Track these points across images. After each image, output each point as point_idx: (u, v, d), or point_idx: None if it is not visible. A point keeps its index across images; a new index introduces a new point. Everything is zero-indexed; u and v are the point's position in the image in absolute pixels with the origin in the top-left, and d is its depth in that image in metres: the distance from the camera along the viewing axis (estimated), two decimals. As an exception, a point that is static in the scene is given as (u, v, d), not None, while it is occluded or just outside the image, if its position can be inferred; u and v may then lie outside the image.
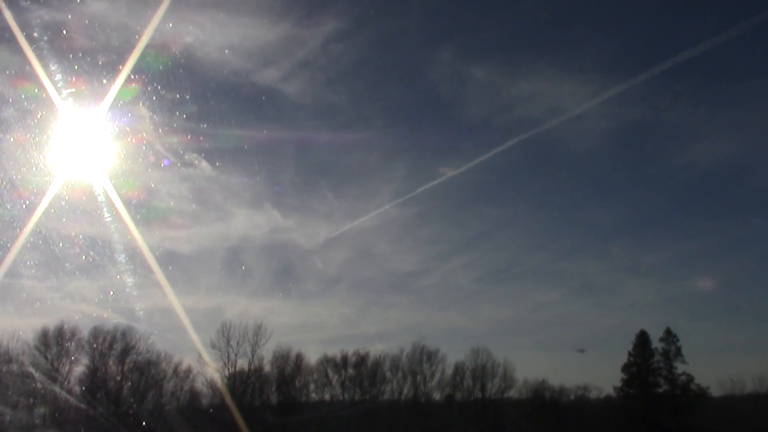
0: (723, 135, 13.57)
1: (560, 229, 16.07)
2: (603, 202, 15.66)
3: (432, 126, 16.30)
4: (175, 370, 26.12)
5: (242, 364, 26.86)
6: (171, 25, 11.76)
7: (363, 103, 15.38)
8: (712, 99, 13.18)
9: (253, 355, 26.52)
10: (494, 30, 13.60)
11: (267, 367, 27.80)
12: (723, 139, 13.59)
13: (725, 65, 12.61)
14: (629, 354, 30.28)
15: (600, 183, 15.58)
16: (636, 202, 15.53)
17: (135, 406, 22.59)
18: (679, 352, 29.77)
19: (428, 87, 14.56)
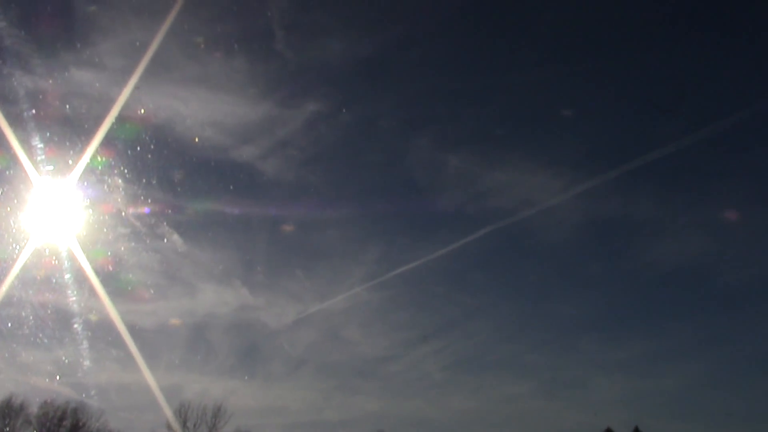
0: (690, 234, 13.27)
1: (530, 320, 15.81)
2: (573, 296, 15.42)
3: (406, 211, 16.03)
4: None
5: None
6: (151, 97, 11.75)
7: (339, 185, 15.35)
8: (680, 198, 12.91)
9: (210, 438, 25.34)
10: (471, 120, 13.45)
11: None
12: (690, 237, 13.29)
13: (693, 166, 12.35)
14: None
15: (570, 276, 15.28)
16: (605, 297, 15.21)
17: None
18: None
19: (404, 172, 14.45)
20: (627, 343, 15.70)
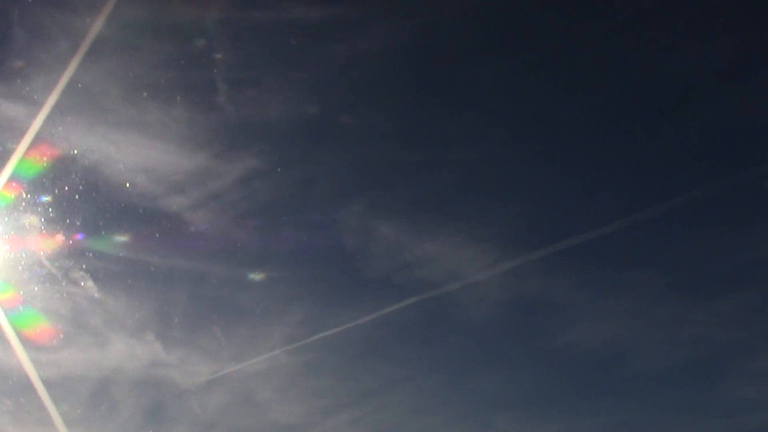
0: (607, 319, 14.09)
1: (449, 395, 15.96)
2: (492, 372, 15.78)
3: (334, 275, 16.07)
4: None
5: None
6: (82, 138, 11.58)
7: (267, 244, 15.18)
8: (599, 283, 13.74)
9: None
10: (405, 190, 13.84)
11: None
12: (606, 322, 14.11)
13: (611, 253, 13.27)
14: None
15: (490, 352, 15.71)
16: (523, 376, 15.67)
17: None
18: None
19: (334, 236, 14.54)
20: (542, 423, 15.87)
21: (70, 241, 11.91)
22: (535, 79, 13.77)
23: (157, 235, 15.40)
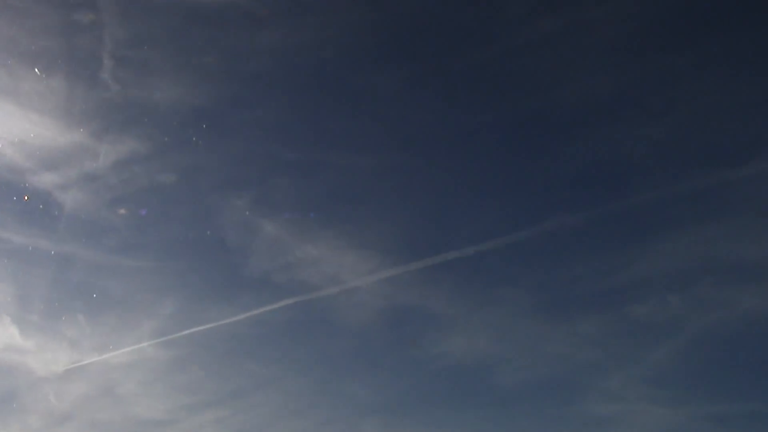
0: (477, 332, 14.84)
1: (319, 397, 16.18)
2: (364, 377, 16.13)
3: (211, 270, 15.69)
4: None
5: None
6: None
7: (143, 231, 14.61)
8: (472, 298, 14.43)
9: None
10: (292, 191, 13.80)
11: None
12: (476, 335, 14.86)
13: (487, 270, 13.99)
14: None
15: (363, 358, 16.07)
16: (394, 382, 16.17)
17: None
18: None
19: (215, 230, 14.22)
20: (408, 428, 16.15)
21: None
22: (431, 92, 14.15)
23: (22, 212, 14.46)
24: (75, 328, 22.41)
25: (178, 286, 18.97)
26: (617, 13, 12.19)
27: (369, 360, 18.37)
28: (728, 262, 12.96)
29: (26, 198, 12.78)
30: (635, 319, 13.56)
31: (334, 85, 13.29)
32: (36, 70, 10.85)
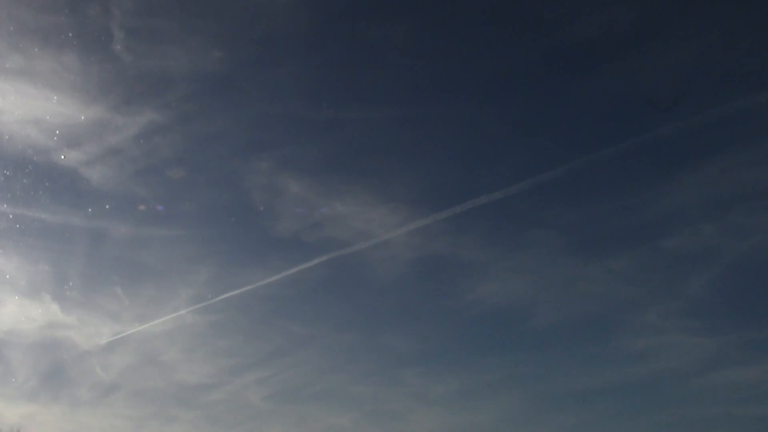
0: (510, 276, 14.69)
1: (358, 352, 16.33)
2: (400, 329, 16.20)
3: (241, 234, 15.73)
4: None
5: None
6: None
7: (171, 200, 14.63)
8: (503, 242, 14.24)
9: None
10: (314, 149, 13.64)
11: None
12: (509, 280, 14.71)
13: (516, 214, 13.78)
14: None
15: (399, 310, 16.11)
16: (430, 332, 16.22)
17: None
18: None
19: (242, 194, 14.18)
20: (448, 377, 16.35)
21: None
22: (445, 38, 13.90)
23: (51, 192, 14.65)
24: (114, 300, 22.86)
25: (211, 252, 19.25)
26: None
27: (404, 311, 18.60)
28: (760, 187, 12.71)
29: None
30: (669, 252, 13.43)
31: (346, 40, 13.09)
32: (48, 48, 10.82)
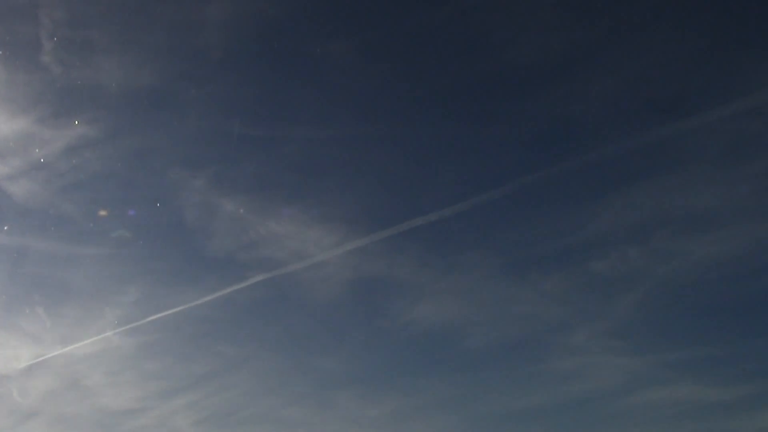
0: (445, 297, 15.02)
1: (291, 374, 16.12)
2: (335, 351, 16.13)
3: (173, 253, 15.29)
4: None
5: None
6: None
7: (99, 217, 14.22)
8: (439, 264, 14.57)
9: None
10: (251, 167, 13.53)
11: None
12: (444, 301, 15.04)
13: (452, 236, 14.09)
14: None
15: (333, 331, 16.11)
16: (365, 354, 16.27)
17: None
18: None
19: (174, 212, 13.86)
20: (382, 399, 16.28)
21: None
22: (384, 59, 14.04)
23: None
24: (35, 322, 21.76)
25: (141, 272, 18.63)
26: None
27: (339, 333, 18.47)
28: (681, 213, 13.31)
29: None
30: (597, 274, 13.85)
31: (286, 57, 13.06)
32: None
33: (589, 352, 13.96)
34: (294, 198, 15.03)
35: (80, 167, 13.95)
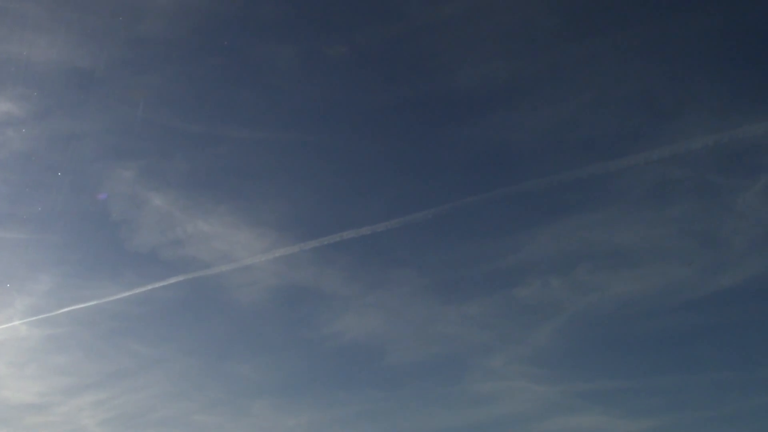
0: (369, 312, 15.16)
1: (206, 378, 15.76)
2: (253, 358, 15.89)
3: (93, 244, 14.72)
4: None
5: None
6: None
7: (20, 200, 13.56)
8: (366, 278, 14.67)
9: None
10: (183, 162, 13.18)
11: None
12: (369, 315, 15.18)
13: (382, 251, 14.21)
14: None
15: (254, 338, 15.90)
16: (284, 363, 16.10)
17: None
18: None
19: (98, 202, 13.40)
20: (299, 410, 16.03)
21: None
22: (330, 68, 13.99)
23: None
24: (-65, 305, 20.53)
25: (57, 260, 17.83)
26: (516, 1, 12.53)
27: (260, 340, 18.14)
28: (604, 249, 13.74)
29: None
30: (519, 301, 14.10)
31: (230, 54, 12.85)
32: None
33: (506, 377, 14.15)
34: (225, 198, 14.75)
35: (2, 146, 13.30)
